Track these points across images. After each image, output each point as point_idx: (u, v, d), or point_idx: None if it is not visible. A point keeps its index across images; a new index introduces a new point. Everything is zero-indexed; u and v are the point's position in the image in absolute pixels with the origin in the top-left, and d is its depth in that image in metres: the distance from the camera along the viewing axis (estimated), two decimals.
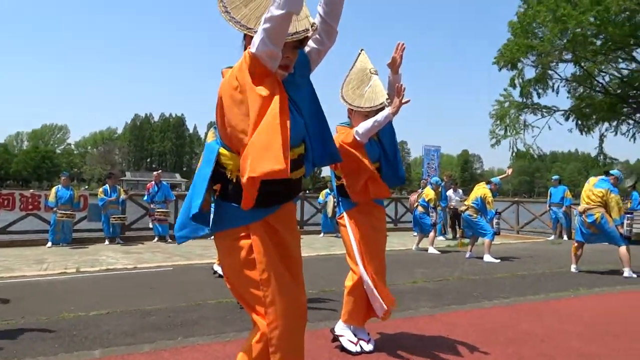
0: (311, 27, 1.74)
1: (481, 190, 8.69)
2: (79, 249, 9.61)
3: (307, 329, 3.63)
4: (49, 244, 9.87)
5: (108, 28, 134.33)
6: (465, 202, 9.16)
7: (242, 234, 1.82)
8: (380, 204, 3.39)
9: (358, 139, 3.10)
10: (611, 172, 7.19)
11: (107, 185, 10.87)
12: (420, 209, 9.97)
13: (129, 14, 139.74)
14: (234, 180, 1.82)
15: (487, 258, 8.28)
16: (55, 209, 9.88)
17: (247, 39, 1.83)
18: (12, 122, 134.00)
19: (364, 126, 3.09)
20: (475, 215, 8.58)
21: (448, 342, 3.44)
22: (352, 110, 3.27)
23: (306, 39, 1.79)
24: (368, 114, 3.17)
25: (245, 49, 1.84)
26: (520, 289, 5.57)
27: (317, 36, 1.92)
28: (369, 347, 3.23)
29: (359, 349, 3.18)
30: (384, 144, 3.31)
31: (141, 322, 3.99)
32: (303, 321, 1.92)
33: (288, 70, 1.83)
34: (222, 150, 1.84)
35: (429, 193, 9.89)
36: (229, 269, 1.90)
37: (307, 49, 1.95)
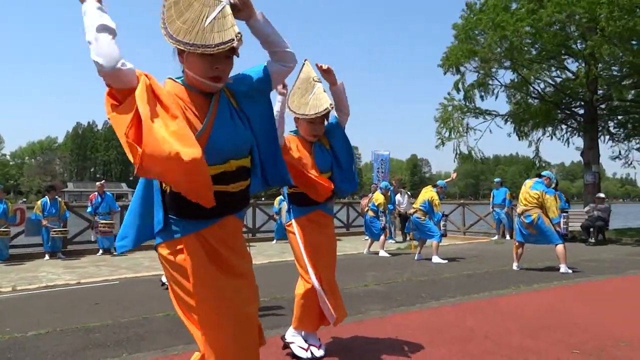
0: (237, 36, 1.70)
1: (428, 193, 8.95)
2: (16, 266, 9.07)
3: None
4: None
5: (40, 33, 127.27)
6: (414, 205, 9.41)
7: (178, 246, 1.77)
8: (330, 212, 3.42)
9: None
10: (543, 173, 7.61)
11: (46, 198, 10.34)
12: (370, 213, 10.14)
13: (66, 20, 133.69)
14: (168, 191, 1.79)
15: (435, 259, 8.53)
16: None
17: (179, 53, 1.81)
18: None
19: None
20: (423, 217, 8.82)
21: (397, 343, 3.52)
22: (298, 118, 3.29)
23: (234, 48, 1.74)
24: (313, 121, 3.20)
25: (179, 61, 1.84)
26: (466, 288, 5.79)
27: (278, 57, 1.97)
28: (319, 352, 3.24)
29: (309, 355, 3.19)
30: (336, 152, 3.33)
31: (83, 340, 3.81)
32: (249, 340, 1.84)
33: (220, 82, 1.81)
34: None
35: (378, 197, 10.09)
36: (168, 281, 1.87)
37: (271, 66, 1.97)
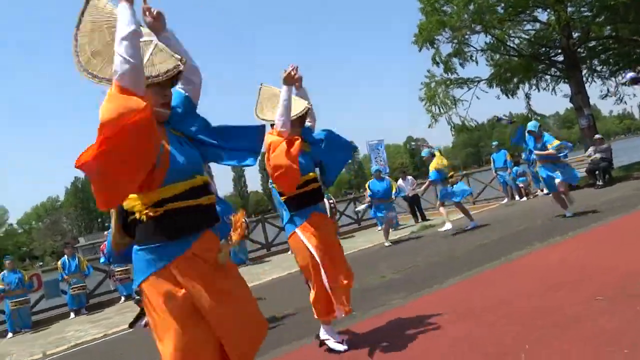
0: (180, 61, 1.89)
1: (439, 159, 9.20)
2: (43, 331, 9.15)
3: (289, 349, 3.66)
4: (9, 334, 9.35)
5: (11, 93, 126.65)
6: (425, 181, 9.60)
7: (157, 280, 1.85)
8: (324, 212, 3.51)
9: (281, 130, 3.17)
10: (528, 129, 7.78)
11: (65, 256, 10.44)
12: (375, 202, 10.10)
13: (43, 72, 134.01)
14: (144, 219, 1.86)
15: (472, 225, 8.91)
16: (4, 295, 9.37)
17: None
18: None
19: (277, 116, 3.18)
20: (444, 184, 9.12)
21: (420, 329, 3.54)
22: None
23: (180, 73, 1.92)
24: (294, 124, 3.28)
25: None
26: (481, 259, 5.78)
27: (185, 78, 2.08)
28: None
29: (345, 347, 3.39)
30: (318, 154, 3.47)
31: None
32: None
33: (169, 108, 1.98)
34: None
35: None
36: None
37: (182, 91, 2.11)
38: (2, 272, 9.71)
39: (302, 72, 3.28)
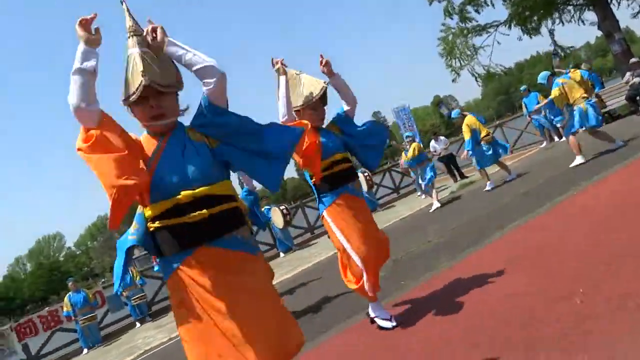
0: (141, 74, 1.87)
1: (469, 119, 8.92)
2: (115, 342, 9.62)
3: (344, 327, 3.69)
4: (85, 350, 9.90)
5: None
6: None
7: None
8: (357, 194, 3.44)
9: (283, 120, 3.11)
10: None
11: None
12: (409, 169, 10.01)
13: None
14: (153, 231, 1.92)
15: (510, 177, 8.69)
16: (74, 317, 9.90)
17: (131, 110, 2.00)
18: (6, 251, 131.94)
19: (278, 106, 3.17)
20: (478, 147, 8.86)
21: (468, 290, 3.48)
22: (300, 110, 3.35)
23: (159, 84, 1.89)
24: (314, 106, 3.31)
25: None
26: (526, 207, 5.61)
27: (200, 76, 1.97)
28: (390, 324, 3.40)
29: (393, 324, 3.34)
30: (354, 135, 3.47)
31: None
32: None
33: (164, 118, 1.93)
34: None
35: (409, 151, 9.97)
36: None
37: (205, 92, 1.97)
38: (68, 294, 10.25)
39: (326, 52, 3.27)
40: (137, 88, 1.85)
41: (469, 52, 16.32)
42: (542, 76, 7.83)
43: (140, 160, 1.83)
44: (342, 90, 3.38)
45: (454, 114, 9.50)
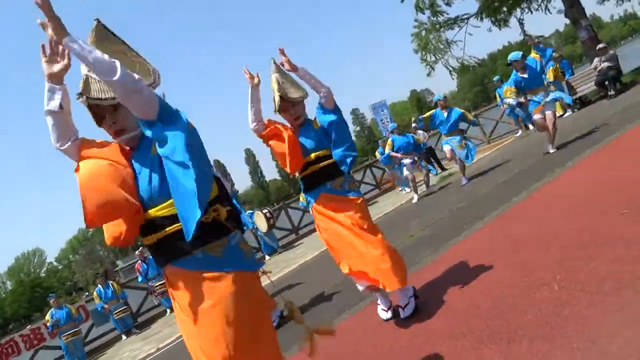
0: (76, 95, 1.85)
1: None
2: (101, 357, 9.46)
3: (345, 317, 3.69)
4: None
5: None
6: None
7: None
8: (337, 193, 3.28)
9: (251, 128, 3.27)
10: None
11: (99, 286, 10.70)
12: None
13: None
14: None
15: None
16: (57, 330, 9.70)
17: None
18: None
19: None
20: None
21: (457, 279, 3.52)
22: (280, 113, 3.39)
23: (99, 100, 1.83)
24: (284, 108, 3.35)
25: None
26: (506, 195, 5.70)
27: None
28: (387, 315, 3.43)
29: (389, 316, 3.41)
30: (327, 131, 3.35)
31: None
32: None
33: (121, 134, 1.88)
34: None
35: (385, 144, 10.00)
36: None
37: None
38: (50, 311, 10.01)
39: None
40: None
41: (442, 46, 16.51)
42: (512, 55, 7.81)
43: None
44: (309, 83, 3.29)
45: (435, 97, 9.48)
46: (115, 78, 1.59)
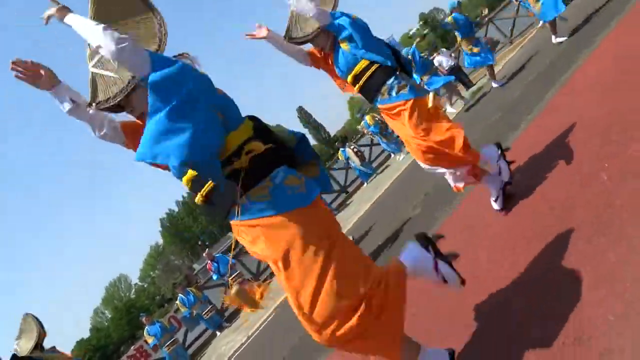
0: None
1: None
2: (203, 356, 10.10)
3: None
4: None
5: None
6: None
7: None
8: (390, 102, 3.21)
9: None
10: None
11: (180, 295, 11.30)
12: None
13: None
14: None
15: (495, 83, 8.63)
16: (158, 345, 10.40)
17: None
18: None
19: None
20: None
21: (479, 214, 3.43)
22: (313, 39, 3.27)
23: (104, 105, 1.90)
24: (312, 41, 3.27)
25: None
26: (537, 93, 5.39)
27: None
28: None
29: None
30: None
31: None
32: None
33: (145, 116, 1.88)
34: None
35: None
36: None
37: None
38: (146, 328, 10.72)
39: None
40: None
41: None
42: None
43: None
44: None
45: (449, 4, 9.19)
46: (99, 44, 1.67)
